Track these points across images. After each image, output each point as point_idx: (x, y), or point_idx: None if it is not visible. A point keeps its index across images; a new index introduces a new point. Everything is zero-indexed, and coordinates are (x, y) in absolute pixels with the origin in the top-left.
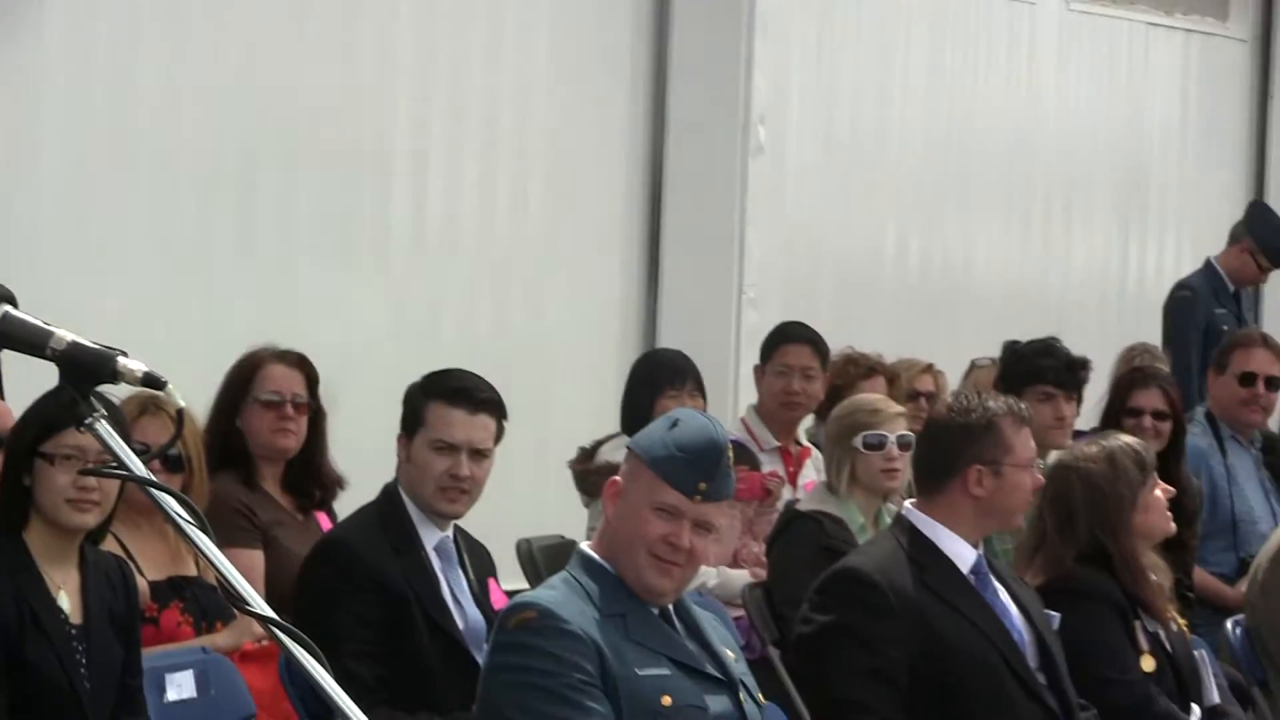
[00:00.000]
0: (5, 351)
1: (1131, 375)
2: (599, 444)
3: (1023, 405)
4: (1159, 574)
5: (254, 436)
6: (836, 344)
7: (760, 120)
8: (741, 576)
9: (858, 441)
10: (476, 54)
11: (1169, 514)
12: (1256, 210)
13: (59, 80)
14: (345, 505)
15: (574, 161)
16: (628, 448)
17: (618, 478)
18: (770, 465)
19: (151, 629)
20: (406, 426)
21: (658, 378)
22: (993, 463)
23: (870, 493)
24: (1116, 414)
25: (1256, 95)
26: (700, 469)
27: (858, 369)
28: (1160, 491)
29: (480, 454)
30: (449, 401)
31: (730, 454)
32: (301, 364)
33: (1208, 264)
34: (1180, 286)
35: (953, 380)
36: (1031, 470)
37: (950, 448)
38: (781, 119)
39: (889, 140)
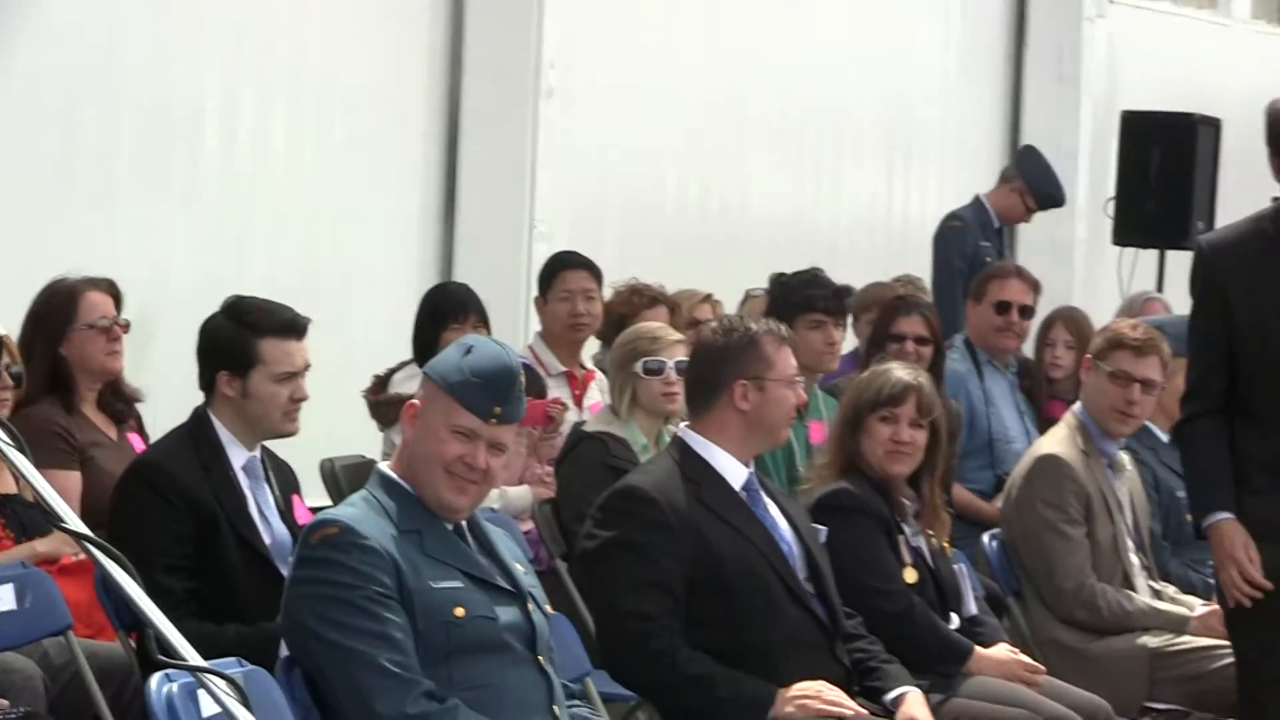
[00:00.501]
0: None
1: (895, 303)
2: (391, 373)
3: (782, 326)
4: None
5: (85, 361)
6: (622, 275)
7: (551, 65)
8: (522, 494)
9: (638, 367)
10: None
11: (896, 455)
12: (1029, 155)
13: None
14: (162, 427)
15: (375, 101)
16: (424, 373)
17: (415, 400)
18: (557, 389)
19: None
20: (234, 364)
21: (442, 310)
22: (756, 378)
23: (651, 415)
24: (881, 339)
25: (1013, 41)
26: (494, 393)
27: (641, 299)
28: (893, 433)
29: (307, 369)
30: (281, 335)
31: (523, 378)
32: (111, 288)
33: (977, 200)
34: (952, 217)
35: (730, 310)
36: (794, 386)
37: (716, 366)
38: (571, 63)
39: (671, 84)
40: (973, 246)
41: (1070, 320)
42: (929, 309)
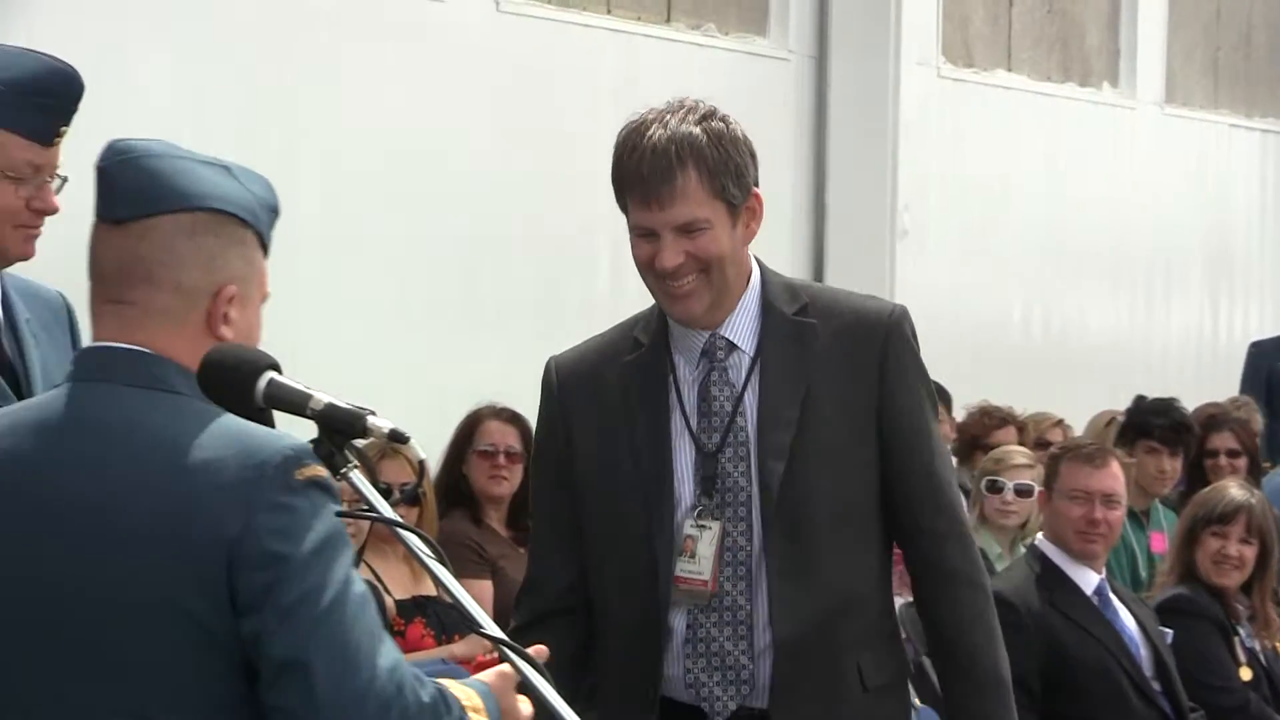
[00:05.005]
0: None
1: (1206, 421)
2: None
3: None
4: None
5: (475, 482)
6: (973, 398)
7: (905, 208)
8: None
9: (983, 484)
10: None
11: (1223, 566)
12: None
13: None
14: None
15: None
16: None
17: None
18: None
19: (399, 640)
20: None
21: None
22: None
23: (996, 529)
24: (1198, 456)
25: None
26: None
27: (991, 420)
28: (1221, 545)
29: None
30: None
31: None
32: (514, 420)
33: None
34: (1252, 345)
35: (1077, 431)
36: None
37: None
38: (923, 207)
39: (1011, 224)
40: (1266, 371)
41: None
42: (1239, 424)
